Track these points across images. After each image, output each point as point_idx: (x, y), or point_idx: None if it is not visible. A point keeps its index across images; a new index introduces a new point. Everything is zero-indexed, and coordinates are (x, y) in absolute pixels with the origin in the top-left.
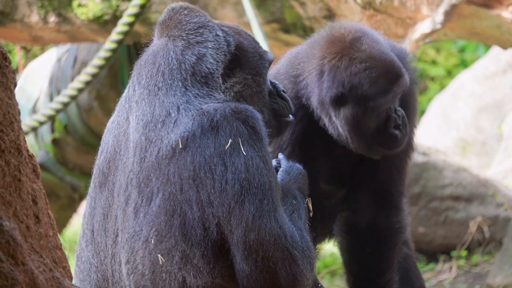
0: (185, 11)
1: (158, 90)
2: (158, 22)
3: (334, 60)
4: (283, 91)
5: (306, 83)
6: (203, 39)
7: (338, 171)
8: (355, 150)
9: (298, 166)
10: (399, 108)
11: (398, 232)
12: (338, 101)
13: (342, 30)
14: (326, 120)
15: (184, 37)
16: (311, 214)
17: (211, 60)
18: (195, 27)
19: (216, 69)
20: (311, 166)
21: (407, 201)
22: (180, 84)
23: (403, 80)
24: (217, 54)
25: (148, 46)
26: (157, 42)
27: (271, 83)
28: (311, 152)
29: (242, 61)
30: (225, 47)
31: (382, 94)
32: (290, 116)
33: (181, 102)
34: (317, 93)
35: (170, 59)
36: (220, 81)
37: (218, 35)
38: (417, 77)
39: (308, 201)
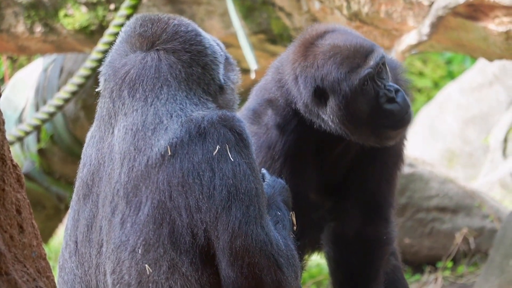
0: (175, 21)
1: (157, 100)
2: (137, 33)
3: (302, 62)
4: None
5: (287, 88)
6: (203, 48)
7: (327, 181)
8: (361, 142)
9: (281, 181)
10: (392, 84)
11: (385, 243)
12: (319, 97)
13: (310, 32)
14: (318, 121)
15: (187, 49)
16: (295, 227)
17: (213, 67)
18: (193, 37)
19: (214, 78)
20: (302, 176)
21: (395, 212)
22: (185, 94)
23: (374, 53)
24: (217, 64)
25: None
26: (153, 55)
27: None
28: (303, 162)
29: (229, 72)
30: (222, 57)
31: (353, 72)
32: None
33: (175, 109)
34: (298, 98)
35: (178, 72)
36: (218, 90)
37: (212, 45)
38: (408, 89)
39: (292, 214)
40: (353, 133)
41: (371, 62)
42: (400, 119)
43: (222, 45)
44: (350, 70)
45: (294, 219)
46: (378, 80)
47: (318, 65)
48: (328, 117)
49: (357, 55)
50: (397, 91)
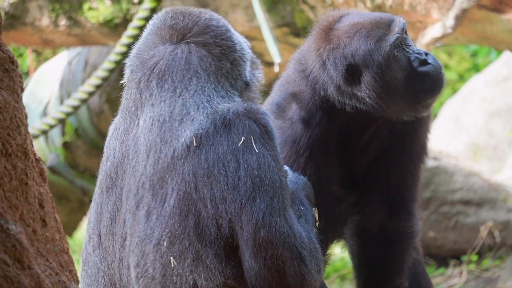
0: (206, 15)
1: (186, 92)
2: (168, 25)
3: (327, 46)
4: None
5: (314, 76)
6: (232, 43)
7: (351, 174)
8: (395, 117)
9: (303, 177)
10: (418, 49)
11: (409, 237)
12: (352, 75)
13: (326, 19)
14: (352, 103)
15: (218, 43)
16: (317, 223)
17: (241, 63)
18: (224, 32)
19: (242, 73)
20: (327, 170)
21: (419, 206)
22: (213, 87)
23: (396, 21)
24: (244, 60)
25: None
26: (173, 47)
27: None
28: (328, 156)
29: (254, 69)
30: (249, 53)
31: (382, 41)
32: None
33: (202, 101)
34: (330, 83)
35: (208, 65)
36: (244, 85)
37: (240, 41)
38: None
39: (315, 210)
40: (389, 106)
41: (396, 28)
42: (436, 80)
43: (248, 44)
44: (378, 40)
45: (316, 214)
46: (405, 47)
47: (345, 44)
48: (364, 93)
49: (380, 26)
50: (426, 53)
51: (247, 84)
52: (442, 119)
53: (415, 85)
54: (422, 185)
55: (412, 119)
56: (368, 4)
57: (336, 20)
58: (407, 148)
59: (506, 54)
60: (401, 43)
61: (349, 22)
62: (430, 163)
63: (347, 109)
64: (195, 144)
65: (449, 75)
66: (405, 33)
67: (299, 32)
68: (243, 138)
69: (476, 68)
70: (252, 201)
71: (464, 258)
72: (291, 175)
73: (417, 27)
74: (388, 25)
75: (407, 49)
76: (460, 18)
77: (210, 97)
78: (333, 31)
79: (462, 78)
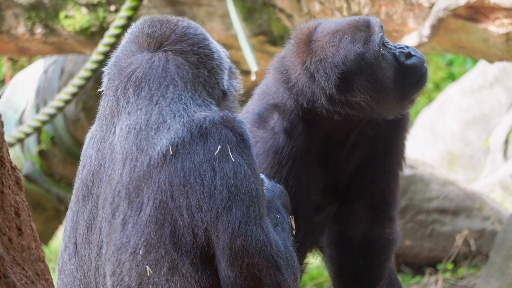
0: (184, 23)
1: (163, 100)
2: (145, 33)
3: (313, 59)
4: None
5: (300, 89)
6: (210, 51)
7: (334, 183)
8: (383, 116)
9: (279, 185)
10: (398, 43)
11: (391, 244)
12: (345, 82)
13: (302, 32)
14: (344, 110)
15: (195, 51)
16: (294, 231)
17: (219, 71)
18: (202, 40)
19: (219, 81)
20: (308, 180)
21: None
22: (190, 95)
23: (372, 20)
24: (222, 68)
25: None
26: (161, 55)
27: None
28: (310, 166)
29: (232, 79)
30: (227, 62)
31: (368, 42)
32: None
33: (178, 109)
34: (320, 95)
35: (185, 72)
36: (221, 94)
37: (218, 50)
38: None
39: (291, 218)
40: (380, 106)
41: (376, 28)
42: (423, 73)
43: (227, 53)
44: (365, 42)
45: (293, 222)
46: (387, 44)
47: (333, 53)
48: (358, 98)
49: (360, 28)
50: (407, 46)
51: (224, 93)
52: (418, 128)
53: (405, 79)
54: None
55: (394, 123)
56: (345, 13)
57: (312, 31)
58: (391, 153)
59: (481, 63)
60: (384, 41)
61: (328, 31)
62: (406, 171)
63: (334, 117)
64: (171, 152)
65: None
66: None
67: (276, 40)
68: (219, 146)
69: (452, 77)
70: (228, 210)
71: (440, 266)
72: (267, 183)
73: (393, 36)
74: (367, 26)
75: (389, 46)
76: (436, 27)
77: (187, 106)
78: (314, 43)
79: (438, 87)
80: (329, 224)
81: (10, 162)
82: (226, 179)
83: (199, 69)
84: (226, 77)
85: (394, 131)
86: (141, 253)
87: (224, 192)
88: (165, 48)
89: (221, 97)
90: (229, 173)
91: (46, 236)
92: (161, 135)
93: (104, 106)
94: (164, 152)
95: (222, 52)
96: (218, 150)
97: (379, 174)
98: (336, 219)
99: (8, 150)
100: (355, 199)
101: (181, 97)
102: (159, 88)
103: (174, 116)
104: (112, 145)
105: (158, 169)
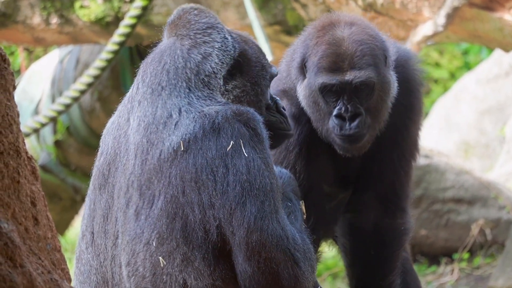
0: (195, 11)
1: (162, 90)
2: (167, 21)
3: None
4: (283, 108)
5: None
6: (211, 39)
7: (343, 173)
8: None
9: (286, 171)
10: (358, 106)
11: (403, 234)
12: (302, 67)
13: (317, 22)
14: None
15: (191, 37)
16: (305, 216)
17: (216, 60)
18: (204, 27)
19: (220, 70)
20: (316, 167)
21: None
22: (184, 85)
23: (353, 72)
24: (223, 55)
25: (156, 46)
26: (166, 41)
27: (272, 98)
28: (318, 153)
29: (244, 68)
30: (232, 51)
31: (324, 74)
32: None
33: (183, 104)
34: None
35: (176, 57)
36: (221, 82)
37: (226, 38)
38: (422, 79)
39: (302, 203)
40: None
41: (346, 77)
42: (341, 137)
43: (237, 40)
44: (323, 71)
45: (303, 207)
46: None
47: (312, 53)
48: (301, 90)
49: (341, 59)
50: (357, 114)
51: (229, 80)
52: (433, 118)
53: (328, 126)
54: (413, 183)
55: (403, 114)
56: (360, 2)
57: (325, 25)
58: (399, 145)
59: (497, 52)
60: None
61: (328, 38)
62: (421, 161)
63: None
64: (182, 148)
65: (440, 73)
66: (353, 88)
67: (291, 30)
68: (232, 142)
69: (467, 66)
70: (242, 206)
71: (456, 256)
72: (275, 170)
73: (408, 26)
74: (348, 63)
75: (344, 96)
76: (451, 16)
77: (192, 98)
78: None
79: (453, 76)
80: (342, 213)
81: (26, 152)
82: (239, 175)
83: (191, 54)
84: (228, 67)
85: (403, 123)
86: (154, 244)
87: (237, 189)
88: (173, 34)
89: (225, 82)
90: (242, 168)
91: (62, 226)
92: (170, 130)
93: (129, 91)
94: (175, 148)
95: (229, 41)
96: (230, 146)
97: (388, 165)
98: (348, 208)
99: (24, 140)
100: (365, 189)
101: (186, 87)
102: (156, 75)
103: (180, 110)
104: (127, 134)
105: (169, 164)
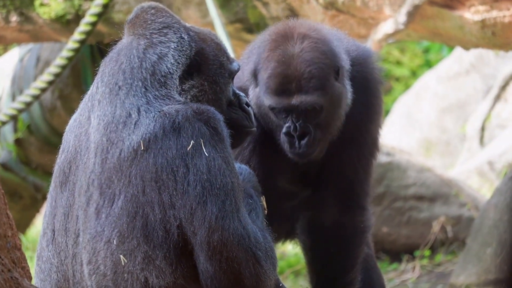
0: (152, 11)
1: (119, 90)
2: (126, 20)
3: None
4: (246, 104)
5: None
6: (167, 39)
7: (301, 170)
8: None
9: (246, 167)
10: (307, 125)
11: (362, 231)
12: (254, 75)
13: (281, 28)
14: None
15: (147, 36)
16: (266, 211)
17: (172, 61)
18: (160, 27)
19: (176, 70)
20: (271, 164)
21: (371, 201)
22: (140, 84)
23: (300, 96)
24: (179, 56)
25: (116, 44)
26: (124, 40)
27: (235, 93)
28: (273, 150)
29: (201, 67)
30: (188, 50)
31: (272, 94)
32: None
33: (141, 104)
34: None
35: (132, 57)
36: (177, 82)
37: (183, 38)
38: (381, 77)
39: (263, 199)
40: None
41: (293, 101)
42: (290, 153)
43: (195, 39)
44: (271, 91)
45: (265, 203)
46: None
47: (262, 67)
48: (253, 95)
49: (290, 80)
50: (305, 134)
51: (186, 80)
52: (395, 115)
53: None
54: (375, 180)
55: (360, 114)
56: (321, 0)
57: (289, 34)
58: (358, 143)
59: (457, 50)
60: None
61: (278, 55)
62: (383, 158)
63: None
64: (142, 148)
65: (401, 71)
66: (300, 111)
67: (252, 28)
68: (192, 141)
69: (428, 64)
70: (203, 206)
71: (417, 253)
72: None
73: (369, 24)
74: (295, 85)
75: (293, 115)
76: (412, 14)
77: (149, 98)
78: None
79: (414, 74)
80: (302, 211)
81: None
82: (199, 174)
83: (147, 54)
84: (184, 66)
85: (361, 121)
86: (115, 242)
87: (198, 188)
88: (131, 33)
89: (181, 82)
90: (202, 168)
91: (23, 224)
92: (129, 130)
93: (90, 90)
94: (135, 147)
95: (186, 40)
96: (191, 145)
97: (347, 163)
98: (307, 206)
99: None
100: (325, 187)
101: (142, 87)
102: (113, 75)
103: (139, 110)
104: (88, 133)
105: (129, 163)
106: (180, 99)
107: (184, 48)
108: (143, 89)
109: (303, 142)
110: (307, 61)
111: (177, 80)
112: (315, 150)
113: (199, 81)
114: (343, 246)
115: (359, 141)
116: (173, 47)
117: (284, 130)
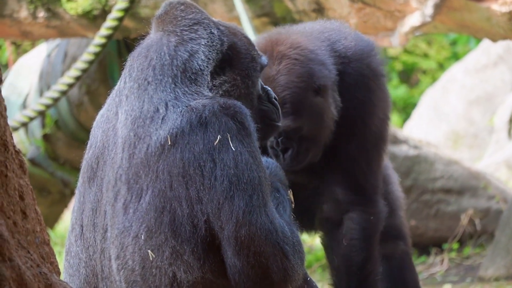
0: (182, 7)
1: (148, 85)
2: (155, 16)
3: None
4: (275, 98)
5: None
6: (197, 36)
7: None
8: None
9: (273, 160)
10: (288, 141)
11: (373, 224)
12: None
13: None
14: None
15: (178, 33)
16: (293, 205)
17: (203, 57)
18: (190, 24)
19: (207, 67)
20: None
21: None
22: (170, 80)
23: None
24: (210, 52)
25: (143, 40)
26: (153, 36)
27: (263, 88)
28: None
29: (234, 61)
30: (218, 45)
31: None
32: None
33: (169, 99)
34: None
35: (162, 54)
36: (209, 78)
37: (213, 33)
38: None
39: (290, 192)
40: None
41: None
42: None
43: (225, 33)
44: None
45: (292, 196)
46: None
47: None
48: None
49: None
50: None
51: (218, 75)
52: (422, 108)
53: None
54: (402, 174)
55: (358, 108)
56: None
57: (269, 53)
58: (356, 137)
59: (485, 42)
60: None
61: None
62: (410, 152)
63: None
64: (169, 142)
65: (428, 64)
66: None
67: (278, 22)
68: (219, 136)
69: (456, 57)
70: (230, 201)
71: (445, 246)
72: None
73: (396, 16)
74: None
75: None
76: (439, 6)
77: (178, 93)
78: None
79: (441, 66)
80: (314, 204)
81: (14, 146)
82: (227, 169)
83: (178, 52)
84: (215, 61)
85: (358, 115)
86: (143, 237)
87: (225, 183)
88: (160, 29)
89: (213, 78)
90: (230, 163)
91: (52, 219)
92: (157, 125)
93: (118, 85)
94: (162, 142)
95: (216, 35)
96: (218, 140)
97: (346, 156)
98: (318, 199)
99: (11, 134)
100: (331, 180)
101: (172, 83)
102: (142, 70)
103: (167, 105)
104: (115, 128)
105: (156, 158)
106: (209, 94)
107: (214, 43)
108: (173, 85)
109: (286, 155)
110: (281, 86)
111: (209, 76)
112: (302, 160)
113: (231, 75)
114: (354, 240)
115: (357, 134)
116: (203, 43)
117: (268, 143)
